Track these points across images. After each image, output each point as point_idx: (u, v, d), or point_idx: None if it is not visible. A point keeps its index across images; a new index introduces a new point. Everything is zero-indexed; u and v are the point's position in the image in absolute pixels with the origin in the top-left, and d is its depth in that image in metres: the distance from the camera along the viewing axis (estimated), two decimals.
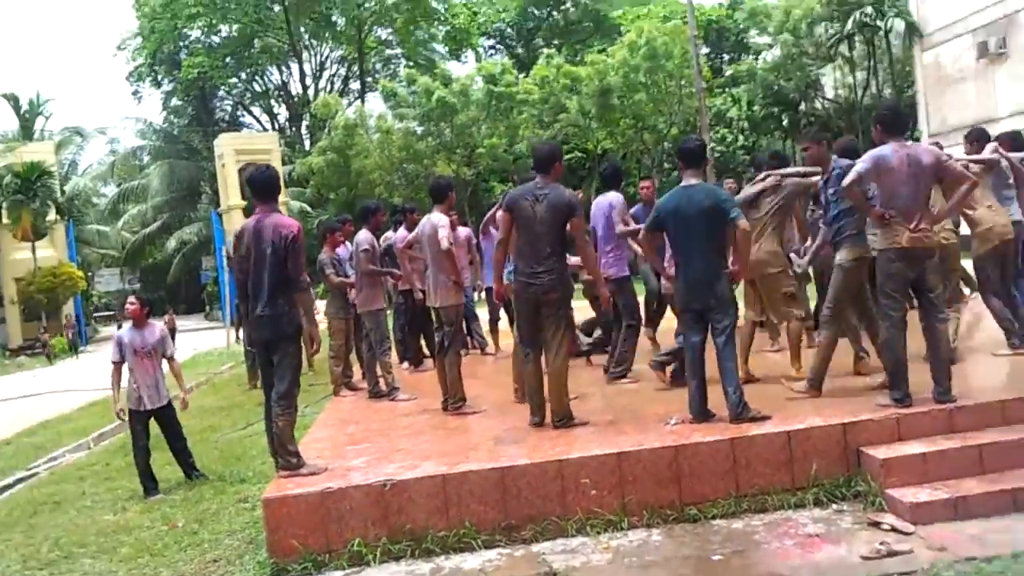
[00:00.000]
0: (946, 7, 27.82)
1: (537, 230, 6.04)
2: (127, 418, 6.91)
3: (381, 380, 8.46)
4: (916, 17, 29.27)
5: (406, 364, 10.33)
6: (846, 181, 5.68)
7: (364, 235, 8.59)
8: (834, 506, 5.07)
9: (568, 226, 6.07)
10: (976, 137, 7.85)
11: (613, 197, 7.89)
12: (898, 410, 5.42)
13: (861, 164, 5.64)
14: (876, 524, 4.74)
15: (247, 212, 27.94)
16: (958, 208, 6.50)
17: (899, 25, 30.12)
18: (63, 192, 34.43)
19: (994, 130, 10.59)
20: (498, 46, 51.86)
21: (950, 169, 5.81)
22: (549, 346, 6.14)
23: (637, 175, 32.52)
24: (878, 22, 31.41)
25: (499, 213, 6.81)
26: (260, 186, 5.72)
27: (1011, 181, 7.42)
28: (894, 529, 4.65)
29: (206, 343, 21.93)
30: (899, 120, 5.89)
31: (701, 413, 5.77)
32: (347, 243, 9.41)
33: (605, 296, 6.92)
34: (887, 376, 5.74)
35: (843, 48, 34.01)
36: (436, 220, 7.29)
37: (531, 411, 6.32)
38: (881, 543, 4.47)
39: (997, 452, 5.07)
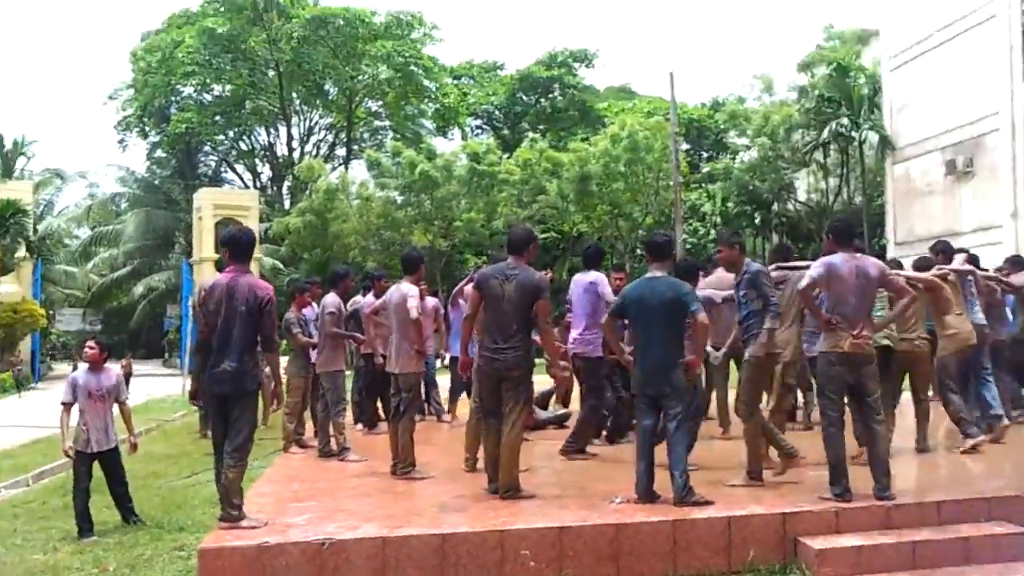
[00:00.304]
0: (918, 125, 28.86)
1: (504, 308, 6.20)
2: (74, 455, 6.82)
3: (333, 440, 8.44)
4: (889, 131, 30.30)
5: (360, 426, 10.30)
6: (801, 285, 5.98)
7: (332, 298, 8.73)
8: None
9: (534, 307, 6.21)
10: (941, 249, 8.49)
11: (595, 276, 8.04)
12: (837, 503, 5.50)
13: (815, 270, 5.94)
14: None
15: (219, 266, 28.03)
16: (897, 319, 6.77)
17: (873, 137, 31.14)
18: (36, 231, 34.25)
19: (957, 243, 11.06)
20: (484, 126, 52.85)
21: (894, 283, 6.15)
22: (507, 419, 6.23)
23: (611, 260, 32.96)
24: (853, 133, 32.49)
25: (468, 288, 6.93)
26: (240, 246, 5.86)
27: (974, 291, 8.17)
28: None
29: (161, 389, 21.58)
30: (849, 232, 6.19)
31: (647, 494, 5.83)
32: (314, 304, 9.51)
33: (559, 376, 7.03)
34: (829, 471, 5.83)
35: (818, 155, 35.10)
36: (406, 290, 7.39)
37: (489, 478, 6.41)
38: None
39: (930, 550, 5.17)
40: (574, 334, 8.04)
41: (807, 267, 7.18)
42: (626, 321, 6.37)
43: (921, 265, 8.06)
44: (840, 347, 5.79)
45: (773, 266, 7.58)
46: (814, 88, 35.59)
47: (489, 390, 6.36)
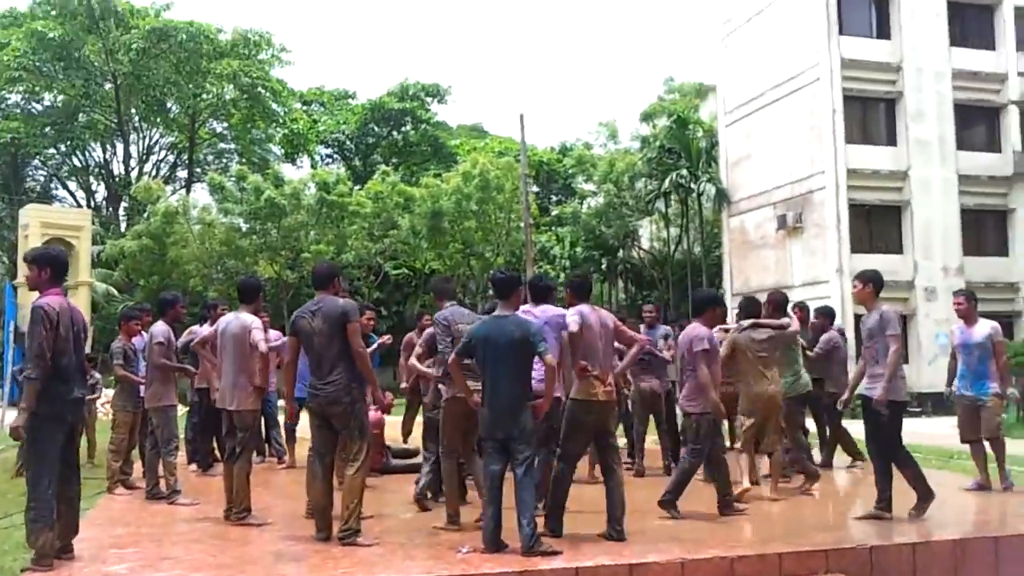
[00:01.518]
0: (752, 179, 30.51)
1: (318, 342, 6.11)
2: None
3: (162, 481, 7.91)
4: (726, 184, 31.87)
5: (194, 466, 9.73)
6: (572, 330, 6.31)
7: (160, 327, 8.21)
8: None
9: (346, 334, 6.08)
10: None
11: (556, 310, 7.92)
12: (682, 555, 5.53)
13: (574, 316, 6.33)
14: None
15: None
16: (630, 366, 7.29)
17: (710, 190, 32.72)
18: None
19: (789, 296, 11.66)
20: (335, 155, 51.99)
21: (625, 334, 6.68)
22: (345, 458, 6.07)
23: (464, 297, 33.00)
24: (692, 184, 34.02)
25: (289, 336, 6.66)
26: (63, 267, 5.74)
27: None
28: None
29: None
30: (587, 287, 6.87)
31: (493, 543, 5.69)
32: (143, 334, 8.92)
33: (380, 401, 6.80)
34: (547, 508, 6.22)
35: (660, 204, 36.50)
36: (247, 320, 7.03)
37: (316, 527, 6.19)
38: None
39: None
40: None
41: (779, 324, 8.15)
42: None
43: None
44: (596, 395, 6.16)
45: (749, 322, 8.06)
46: (655, 139, 37.15)
47: (317, 426, 6.22)
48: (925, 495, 6.86)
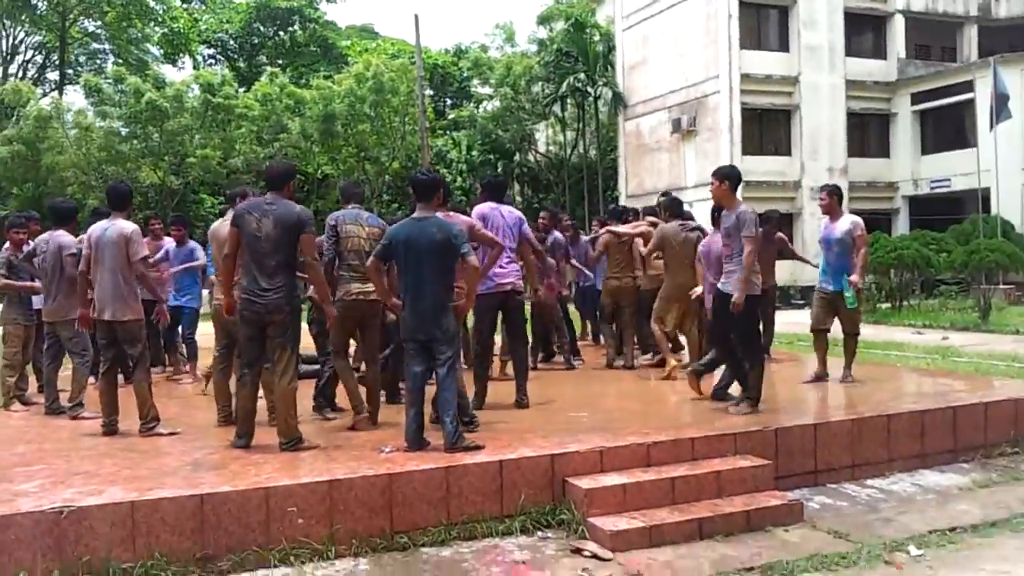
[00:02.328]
0: (648, 83, 30.69)
1: (263, 247, 5.80)
2: None
3: (62, 395, 7.63)
4: (622, 88, 31.97)
5: (93, 379, 9.37)
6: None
7: (69, 237, 7.78)
8: (539, 533, 5.21)
9: (299, 243, 5.86)
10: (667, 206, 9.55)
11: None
12: (602, 443, 5.70)
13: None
14: (578, 551, 4.92)
15: None
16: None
17: (607, 94, 32.77)
18: None
19: (681, 197, 11.82)
20: (218, 56, 49.58)
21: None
22: (275, 367, 5.92)
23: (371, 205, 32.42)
24: (589, 88, 33.98)
25: (230, 228, 6.33)
26: None
27: None
28: (595, 556, 4.84)
29: None
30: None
31: (416, 442, 5.73)
32: (30, 242, 8.44)
33: (330, 316, 6.56)
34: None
35: (557, 108, 36.38)
36: (125, 228, 6.66)
37: (237, 433, 6.07)
38: (583, 569, 4.64)
39: (686, 485, 5.49)
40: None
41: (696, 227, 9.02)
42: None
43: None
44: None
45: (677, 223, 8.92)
46: (553, 42, 36.74)
47: (250, 336, 5.97)
48: (755, 395, 6.83)
